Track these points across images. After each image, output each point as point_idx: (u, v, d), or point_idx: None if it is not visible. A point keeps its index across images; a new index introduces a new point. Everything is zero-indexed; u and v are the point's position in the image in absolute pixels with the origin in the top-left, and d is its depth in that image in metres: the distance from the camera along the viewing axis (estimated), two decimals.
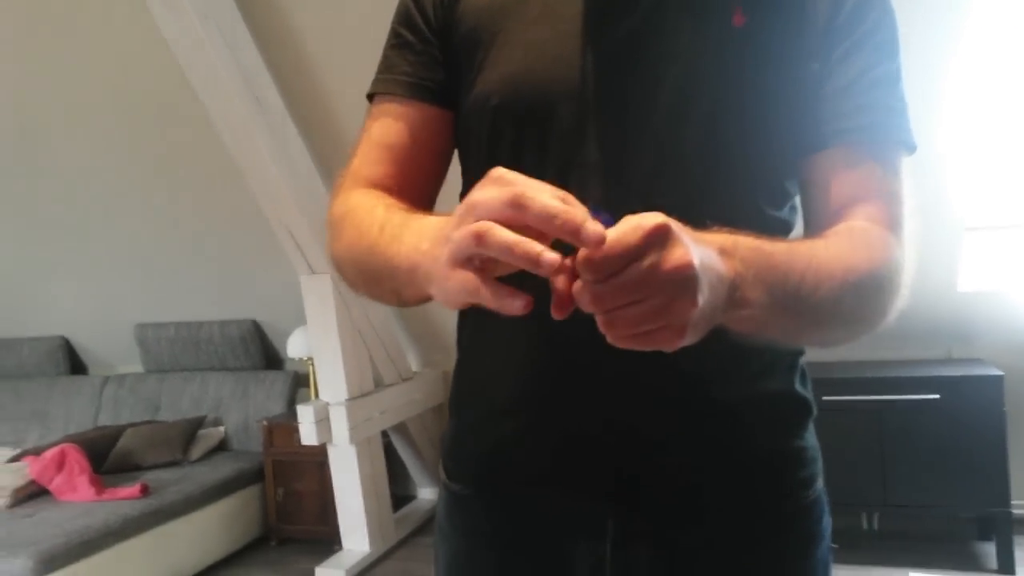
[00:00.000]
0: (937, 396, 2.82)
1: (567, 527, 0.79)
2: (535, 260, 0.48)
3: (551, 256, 0.48)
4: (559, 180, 0.73)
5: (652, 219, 0.51)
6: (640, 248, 0.50)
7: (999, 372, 2.81)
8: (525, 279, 0.52)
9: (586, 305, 0.51)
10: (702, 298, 0.52)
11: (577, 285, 0.51)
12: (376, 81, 0.86)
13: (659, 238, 0.50)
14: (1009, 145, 2.81)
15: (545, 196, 0.51)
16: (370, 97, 0.87)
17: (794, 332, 0.69)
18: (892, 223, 0.73)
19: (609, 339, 0.52)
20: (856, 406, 2.90)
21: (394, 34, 0.86)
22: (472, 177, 0.84)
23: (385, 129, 0.83)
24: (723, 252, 0.57)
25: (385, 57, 0.86)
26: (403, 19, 0.85)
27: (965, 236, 2.89)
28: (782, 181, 0.78)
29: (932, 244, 2.75)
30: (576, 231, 0.49)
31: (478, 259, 0.52)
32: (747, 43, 0.73)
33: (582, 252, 0.50)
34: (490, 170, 0.55)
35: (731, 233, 0.60)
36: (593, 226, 0.49)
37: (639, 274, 0.50)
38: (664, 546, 0.77)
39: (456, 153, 0.87)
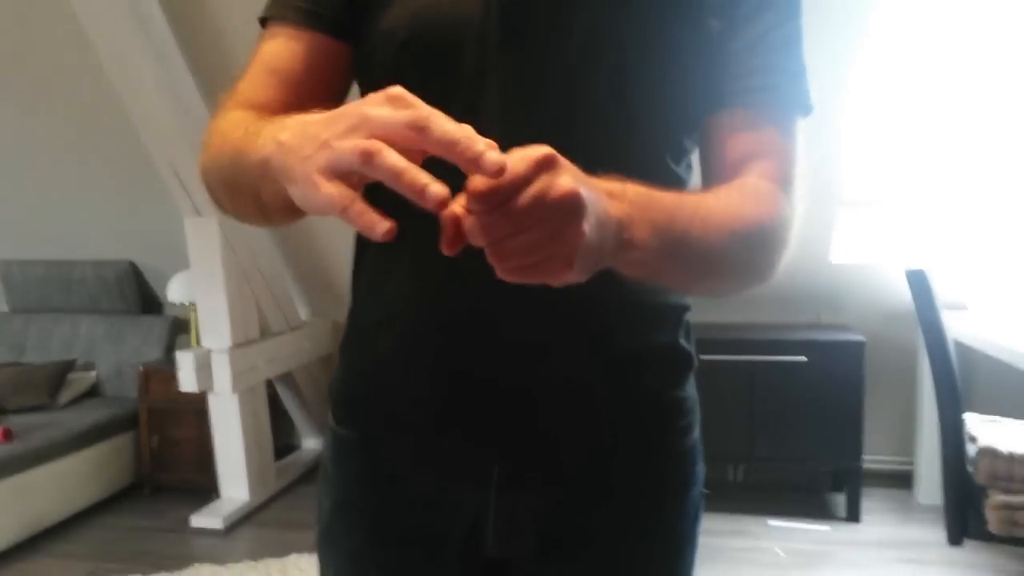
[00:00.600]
0: (805, 359, 3.01)
1: (453, 471, 0.81)
2: (420, 191, 0.47)
3: (438, 189, 0.47)
4: (463, 122, 0.73)
5: (539, 150, 0.51)
6: (527, 177, 0.50)
7: (862, 338, 3.02)
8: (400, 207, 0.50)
9: (474, 237, 0.51)
10: (588, 228, 0.52)
11: (467, 217, 0.51)
12: (270, 4, 0.82)
13: (546, 167, 0.51)
14: (885, 123, 2.98)
15: (448, 122, 0.50)
16: (263, 22, 0.83)
17: (683, 278, 0.71)
18: (783, 180, 0.76)
19: (498, 273, 0.52)
20: (729, 365, 3.05)
21: None
22: None
23: (276, 54, 0.79)
24: (611, 194, 0.58)
25: None
26: None
27: (839, 210, 3.07)
28: (682, 137, 0.80)
29: (807, 215, 2.85)
30: (476, 159, 0.48)
31: (356, 177, 0.51)
32: (651, 2, 0.74)
33: (472, 181, 0.49)
34: (388, 87, 0.53)
35: (619, 180, 0.61)
36: (493, 155, 0.49)
37: (526, 201, 0.50)
38: (548, 493, 0.80)
39: (357, 88, 0.84)
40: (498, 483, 0.79)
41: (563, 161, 0.52)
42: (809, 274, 3.20)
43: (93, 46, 2.60)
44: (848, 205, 3.14)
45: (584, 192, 0.52)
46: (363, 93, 0.83)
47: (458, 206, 0.51)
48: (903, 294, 2.33)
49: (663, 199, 0.64)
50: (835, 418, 3.01)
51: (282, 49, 0.79)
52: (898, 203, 3.20)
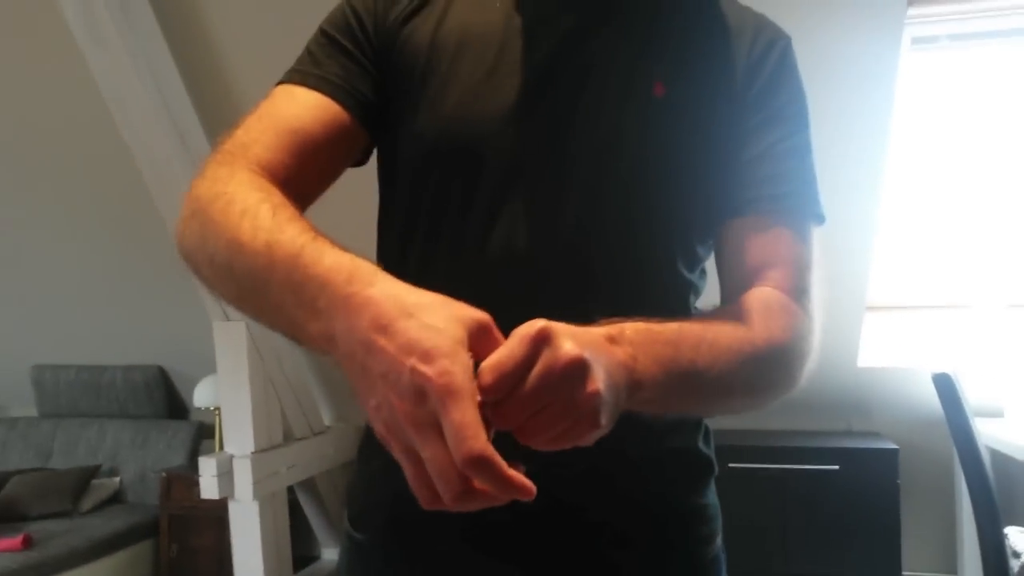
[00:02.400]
0: (837, 467, 2.92)
1: None
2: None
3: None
4: (486, 227, 0.75)
5: (532, 326, 0.51)
6: (529, 357, 0.50)
7: (894, 446, 2.93)
8: None
9: (498, 425, 0.51)
10: (601, 384, 0.53)
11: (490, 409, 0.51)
12: (300, 72, 0.80)
13: (543, 342, 0.51)
14: (914, 229, 3.00)
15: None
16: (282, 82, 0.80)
17: (698, 405, 0.70)
18: (798, 290, 0.76)
19: (534, 447, 0.53)
20: (760, 473, 2.97)
21: (325, 36, 0.82)
22: (392, 205, 0.84)
23: (299, 116, 0.75)
24: (611, 339, 0.59)
25: (311, 53, 0.81)
26: (341, 27, 0.82)
27: (867, 314, 3.04)
28: (694, 243, 0.81)
29: (834, 320, 2.88)
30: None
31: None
32: (667, 112, 0.77)
33: (481, 376, 0.49)
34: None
35: (616, 322, 0.61)
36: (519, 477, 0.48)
37: (533, 383, 0.50)
38: None
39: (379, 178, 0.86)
40: None
41: (557, 328, 0.52)
42: (838, 380, 3.14)
43: (132, 157, 2.72)
44: (875, 309, 3.12)
45: (586, 353, 0.52)
46: (384, 180, 0.85)
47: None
48: (936, 399, 2.28)
49: (664, 332, 0.64)
50: (871, 531, 2.89)
51: (305, 114, 0.76)
52: (929, 307, 3.17)
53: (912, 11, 2.37)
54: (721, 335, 0.67)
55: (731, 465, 2.89)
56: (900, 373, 3.20)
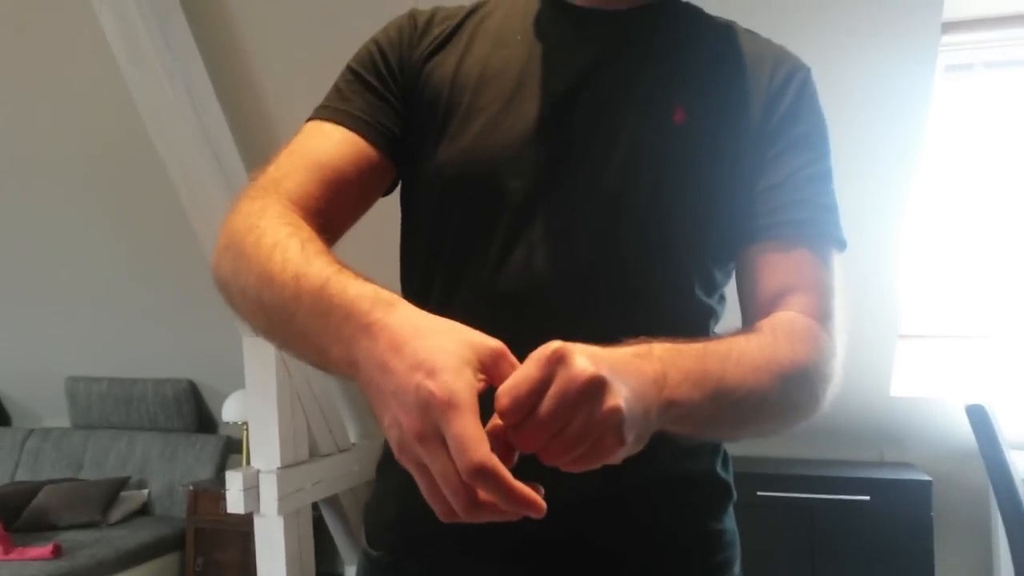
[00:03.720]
0: (867, 498, 2.86)
1: None
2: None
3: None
4: (504, 254, 0.76)
5: (547, 348, 0.51)
6: (544, 378, 0.50)
7: (927, 478, 2.87)
8: None
9: (520, 448, 0.51)
10: (622, 400, 0.52)
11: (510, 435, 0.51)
12: (328, 108, 0.82)
13: (558, 362, 0.51)
14: (948, 257, 2.95)
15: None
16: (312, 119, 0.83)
17: (727, 427, 0.69)
18: (822, 314, 0.75)
19: (561, 468, 0.53)
20: (788, 503, 2.92)
21: (352, 73, 0.84)
22: (415, 237, 0.85)
23: (327, 151, 0.78)
24: (639, 355, 0.58)
25: (338, 89, 0.84)
26: (367, 64, 0.84)
27: (899, 343, 2.99)
28: (713, 269, 0.81)
29: (867, 349, 2.84)
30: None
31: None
32: (686, 139, 0.77)
33: (498, 401, 0.51)
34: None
35: (643, 341, 0.61)
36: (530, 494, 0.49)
37: (550, 405, 0.50)
38: None
39: (401, 210, 0.87)
40: None
41: (572, 348, 0.52)
42: (870, 409, 3.09)
43: (171, 178, 2.77)
44: (909, 338, 3.07)
45: (603, 370, 0.52)
46: (406, 213, 0.86)
47: (497, 421, 0.52)
48: (970, 431, 2.23)
49: (691, 349, 0.63)
50: (902, 564, 2.81)
51: (333, 148, 0.79)
52: (964, 336, 3.11)
53: (946, 39, 2.35)
54: (747, 354, 0.67)
55: (759, 493, 2.85)
56: (934, 403, 3.13)
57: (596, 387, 0.51)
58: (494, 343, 0.53)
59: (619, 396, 0.52)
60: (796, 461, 3.18)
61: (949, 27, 2.45)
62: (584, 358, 0.52)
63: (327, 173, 0.77)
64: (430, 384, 0.49)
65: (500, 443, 0.51)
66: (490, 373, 0.51)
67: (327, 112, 0.82)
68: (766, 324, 0.73)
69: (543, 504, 0.49)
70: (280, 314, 0.62)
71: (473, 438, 0.47)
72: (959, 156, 2.78)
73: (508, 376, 0.51)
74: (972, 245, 2.91)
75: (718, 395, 0.63)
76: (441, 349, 0.51)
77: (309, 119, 0.83)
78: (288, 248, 0.64)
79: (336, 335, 0.56)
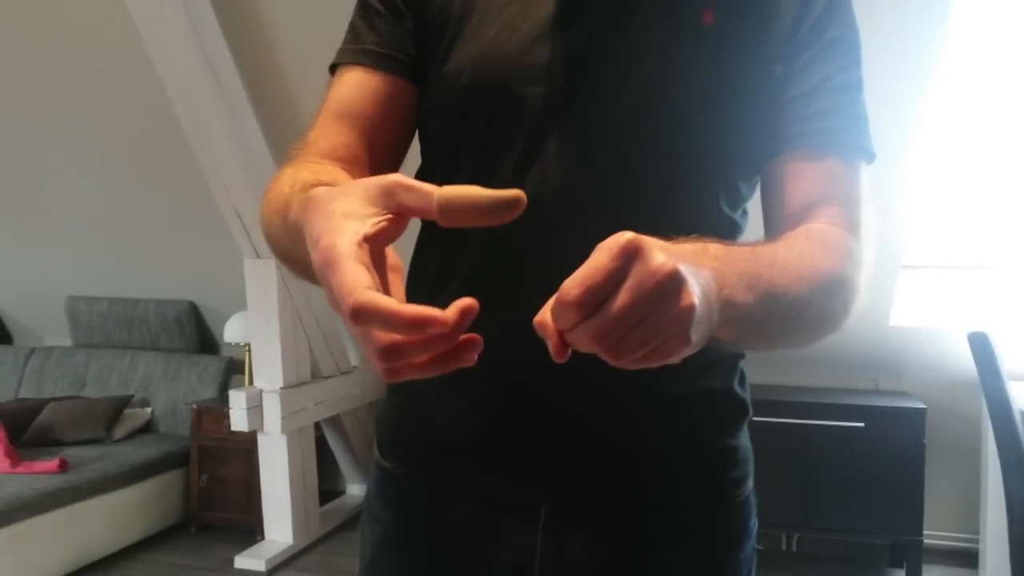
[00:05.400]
0: (862, 424, 2.91)
1: (500, 509, 0.79)
2: (425, 325, 0.43)
3: (446, 316, 0.44)
4: (522, 166, 0.74)
5: (622, 237, 0.47)
6: (619, 269, 0.46)
7: (922, 406, 2.91)
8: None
9: (583, 346, 0.47)
10: (696, 298, 0.49)
11: (571, 332, 0.47)
12: (341, 51, 0.83)
13: (634, 254, 0.47)
14: (952, 188, 2.93)
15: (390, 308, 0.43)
16: (332, 68, 0.84)
17: (770, 334, 0.67)
18: (851, 225, 0.74)
19: (619, 367, 0.49)
20: (783, 428, 2.97)
21: (362, 3, 0.84)
22: (432, 155, 0.83)
23: (347, 98, 0.80)
24: (696, 253, 0.55)
25: (352, 27, 0.83)
26: None
27: (901, 273, 2.99)
28: (738, 181, 0.79)
29: (868, 277, 2.84)
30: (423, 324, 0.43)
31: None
32: (716, 41, 0.74)
33: (564, 289, 0.46)
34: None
35: (696, 239, 0.58)
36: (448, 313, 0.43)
37: (627, 299, 0.46)
38: (596, 535, 0.78)
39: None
40: (545, 524, 0.77)
41: (648, 240, 0.48)
42: (868, 337, 3.11)
43: (169, 97, 2.71)
44: (910, 268, 3.07)
45: (681, 265, 0.48)
46: (423, 134, 0.85)
47: (547, 314, 0.48)
48: (966, 361, 2.25)
49: (740, 251, 0.61)
50: (894, 489, 2.89)
51: (353, 93, 0.80)
52: (964, 266, 3.11)
53: None
54: (790, 261, 0.65)
55: (755, 419, 2.88)
56: (932, 333, 3.16)
57: (676, 283, 0.47)
58: (385, 179, 0.49)
59: (695, 293, 0.49)
60: (792, 388, 3.22)
61: None
62: (661, 252, 0.48)
63: (355, 121, 0.79)
64: (314, 254, 0.48)
65: (551, 335, 0.48)
66: (390, 208, 0.48)
67: (346, 55, 0.83)
68: (802, 232, 0.72)
69: (445, 316, 0.43)
70: (280, 248, 0.69)
71: (343, 284, 0.44)
72: (966, 85, 2.73)
73: (408, 201, 0.48)
74: (976, 175, 2.88)
75: (768, 299, 0.60)
76: (327, 215, 0.49)
77: (333, 64, 0.84)
78: (282, 189, 0.68)
79: (304, 248, 0.54)
